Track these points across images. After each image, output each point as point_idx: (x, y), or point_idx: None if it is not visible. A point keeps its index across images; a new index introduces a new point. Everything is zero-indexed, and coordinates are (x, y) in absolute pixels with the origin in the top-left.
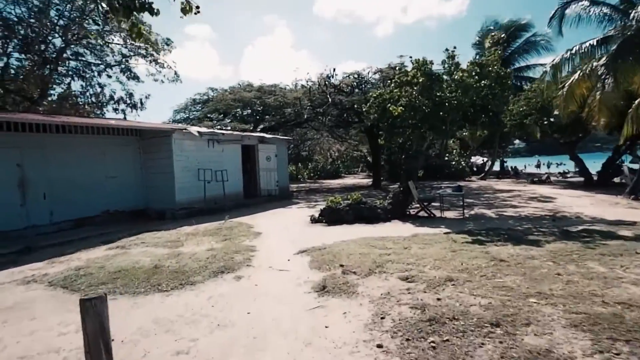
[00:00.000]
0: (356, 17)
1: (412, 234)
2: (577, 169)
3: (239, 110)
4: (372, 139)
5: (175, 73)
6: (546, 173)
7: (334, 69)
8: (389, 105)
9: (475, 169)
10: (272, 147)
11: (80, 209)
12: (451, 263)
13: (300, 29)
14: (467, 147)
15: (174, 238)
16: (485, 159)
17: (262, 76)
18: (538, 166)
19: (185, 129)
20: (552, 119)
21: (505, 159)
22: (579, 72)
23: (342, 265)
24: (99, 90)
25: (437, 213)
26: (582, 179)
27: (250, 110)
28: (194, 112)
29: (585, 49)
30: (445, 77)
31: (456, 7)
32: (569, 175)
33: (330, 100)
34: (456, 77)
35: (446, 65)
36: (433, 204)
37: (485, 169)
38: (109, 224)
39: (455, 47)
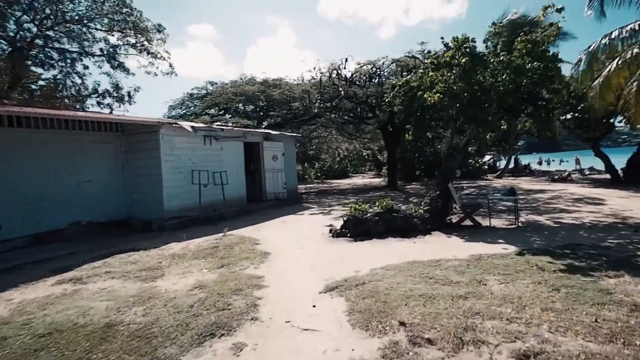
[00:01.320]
0: (359, 18)
1: (471, 255)
2: (578, 167)
3: (240, 105)
4: (387, 135)
5: (170, 65)
6: (566, 170)
7: (346, 59)
8: (421, 93)
9: (486, 167)
10: (279, 144)
11: (41, 222)
12: (574, 316)
13: (303, 29)
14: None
15: (153, 263)
16: (493, 157)
17: (266, 70)
18: (540, 163)
19: (175, 123)
20: (576, 114)
21: (518, 157)
22: (617, 59)
23: (403, 324)
24: (79, 81)
25: (480, 220)
26: (606, 176)
27: (253, 106)
28: (191, 108)
29: (627, 33)
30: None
31: (455, 10)
32: (587, 173)
33: (342, 93)
34: (503, 57)
35: (489, 44)
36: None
37: (499, 167)
38: (79, 239)
39: (502, 22)
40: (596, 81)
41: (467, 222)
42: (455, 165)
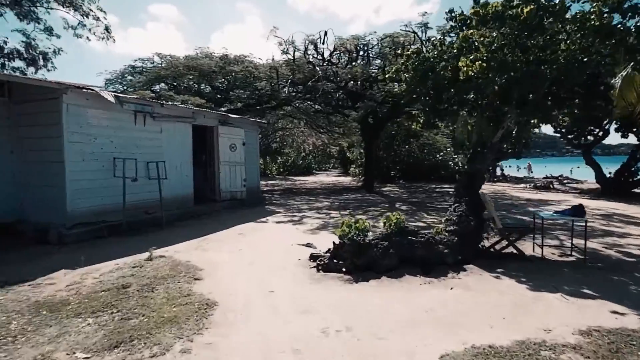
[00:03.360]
0: (330, 13)
1: (563, 324)
2: (530, 173)
3: (194, 83)
4: (366, 129)
5: (107, 29)
6: (545, 178)
7: (325, 32)
8: (444, 64)
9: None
10: (239, 131)
11: None
12: None
13: (272, 19)
14: (459, 145)
15: None
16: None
17: (227, 46)
18: (502, 169)
19: (89, 88)
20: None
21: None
22: None
23: None
24: None
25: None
26: (589, 186)
27: (210, 87)
28: (134, 84)
29: None
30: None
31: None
32: (565, 182)
33: (320, 73)
34: (576, 15)
35: None
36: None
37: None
38: None
39: None
40: (618, 76)
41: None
42: (484, 168)
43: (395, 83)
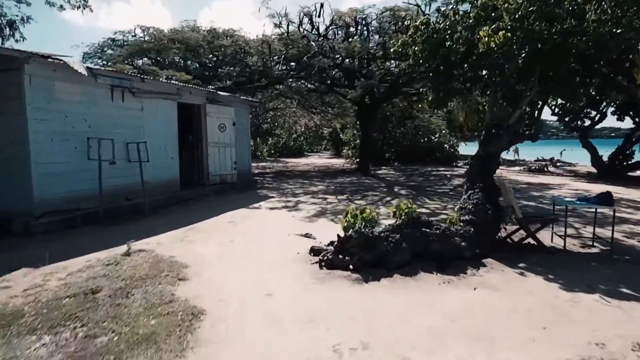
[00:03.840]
0: None
1: (617, 336)
2: (516, 157)
3: (179, 58)
4: (362, 109)
5: None
6: (537, 160)
7: (322, 5)
8: (458, 36)
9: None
10: (229, 110)
11: None
12: None
13: None
14: (454, 126)
15: None
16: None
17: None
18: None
19: (56, 59)
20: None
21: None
22: None
23: None
24: None
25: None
26: (583, 169)
27: (197, 63)
28: (114, 57)
29: None
30: None
31: None
32: (558, 164)
33: (315, 48)
34: None
35: None
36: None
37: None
38: None
39: None
40: None
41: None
42: (500, 151)
43: (395, 61)
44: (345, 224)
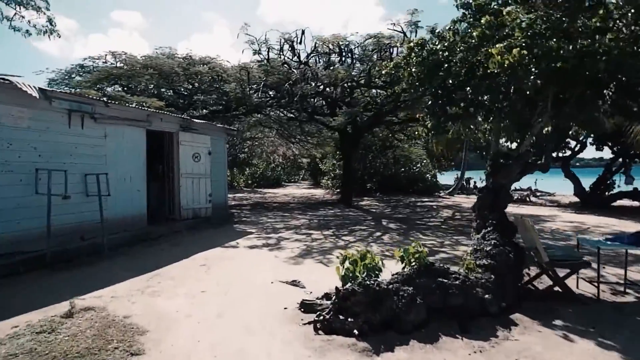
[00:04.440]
0: (300, 25)
1: None
2: (515, 187)
3: (153, 87)
4: (345, 138)
5: (50, 21)
6: (516, 190)
7: (302, 32)
8: (461, 55)
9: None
10: (204, 139)
11: None
12: None
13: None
14: (432, 156)
15: None
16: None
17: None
18: (474, 182)
19: (2, 78)
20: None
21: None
22: None
23: None
24: None
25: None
26: (563, 199)
27: (172, 91)
28: (81, 84)
29: None
30: None
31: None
32: (538, 194)
33: (297, 74)
34: None
35: None
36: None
37: (454, 184)
38: None
39: None
40: None
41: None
42: (510, 182)
43: (379, 90)
44: (343, 273)
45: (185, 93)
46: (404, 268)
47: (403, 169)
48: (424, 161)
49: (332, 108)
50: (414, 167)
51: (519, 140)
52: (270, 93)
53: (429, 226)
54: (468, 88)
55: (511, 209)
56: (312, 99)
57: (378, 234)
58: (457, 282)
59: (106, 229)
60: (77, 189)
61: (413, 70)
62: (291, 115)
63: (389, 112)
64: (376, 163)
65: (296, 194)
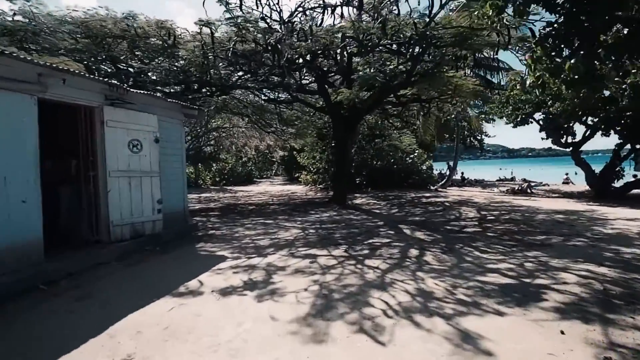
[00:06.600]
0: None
1: None
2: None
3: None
4: (339, 123)
5: None
6: (516, 181)
7: None
8: None
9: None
10: (147, 119)
11: None
12: None
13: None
14: (426, 147)
15: None
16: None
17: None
18: (462, 173)
19: None
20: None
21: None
22: None
23: None
24: None
25: None
26: (573, 189)
27: (112, 65)
28: None
29: None
30: None
31: None
32: (533, 185)
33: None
34: None
35: None
36: None
37: (447, 175)
38: None
39: None
40: None
41: None
42: None
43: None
44: None
45: (133, 70)
46: None
47: (394, 161)
48: (417, 151)
49: (322, 85)
50: (407, 159)
51: None
52: (243, 68)
53: (468, 234)
54: None
55: (527, 202)
56: (297, 71)
57: (414, 252)
58: None
59: None
60: None
61: None
62: (267, 96)
63: (400, 86)
64: (364, 154)
65: (273, 192)
